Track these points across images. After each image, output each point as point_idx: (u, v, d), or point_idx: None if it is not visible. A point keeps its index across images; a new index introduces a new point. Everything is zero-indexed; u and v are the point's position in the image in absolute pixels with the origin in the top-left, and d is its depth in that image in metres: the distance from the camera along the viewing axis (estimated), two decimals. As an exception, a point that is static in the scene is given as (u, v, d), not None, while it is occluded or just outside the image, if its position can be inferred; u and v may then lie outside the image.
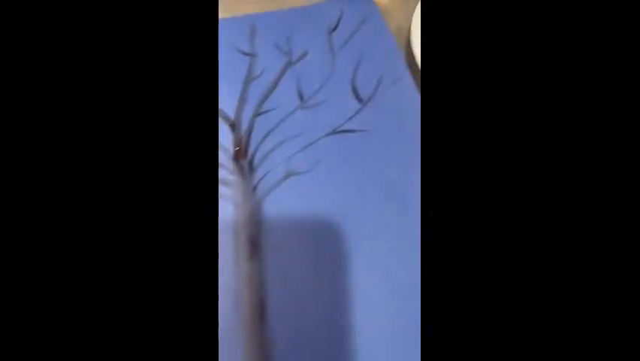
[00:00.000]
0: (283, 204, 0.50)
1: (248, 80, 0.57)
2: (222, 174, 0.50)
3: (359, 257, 0.47)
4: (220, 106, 0.54)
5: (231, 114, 0.54)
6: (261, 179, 0.51)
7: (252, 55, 0.58)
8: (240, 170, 0.51)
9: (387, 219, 0.48)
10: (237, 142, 0.53)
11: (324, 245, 0.48)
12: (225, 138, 0.53)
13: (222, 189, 0.50)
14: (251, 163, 0.52)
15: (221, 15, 0.61)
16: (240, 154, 0.52)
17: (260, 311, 0.44)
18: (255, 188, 0.51)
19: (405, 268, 0.45)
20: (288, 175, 0.52)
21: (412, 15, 0.61)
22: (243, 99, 0.55)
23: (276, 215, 0.49)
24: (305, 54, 0.58)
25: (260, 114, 0.55)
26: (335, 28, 0.60)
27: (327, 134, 0.54)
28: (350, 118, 0.54)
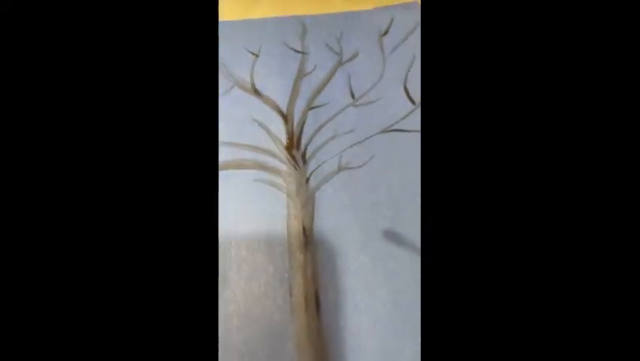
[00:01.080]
0: (336, 196, 0.49)
1: (300, 76, 0.57)
2: (275, 163, 0.49)
3: (409, 254, 0.45)
4: (273, 99, 0.54)
5: (283, 107, 0.54)
6: (313, 171, 0.50)
7: (303, 52, 0.58)
8: (293, 160, 0.50)
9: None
10: (290, 133, 0.52)
11: (374, 239, 0.46)
12: (278, 130, 0.52)
13: (275, 178, 0.49)
14: (304, 155, 0.51)
15: (271, 14, 0.62)
16: (292, 145, 0.51)
17: (313, 302, 0.42)
18: (308, 179, 0.50)
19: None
20: (341, 169, 0.51)
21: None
22: (295, 93, 0.55)
23: (328, 207, 0.48)
24: (355, 55, 0.59)
25: (312, 108, 0.54)
26: (385, 33, 0.61)
27: (380, 132, 0.53)
28: (403, 118, 0.54)
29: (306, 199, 0.48)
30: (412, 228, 0.47)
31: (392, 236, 0.46)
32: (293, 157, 0.50)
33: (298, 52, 0.59)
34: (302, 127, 0.52)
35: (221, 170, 0.48)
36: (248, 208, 0.46)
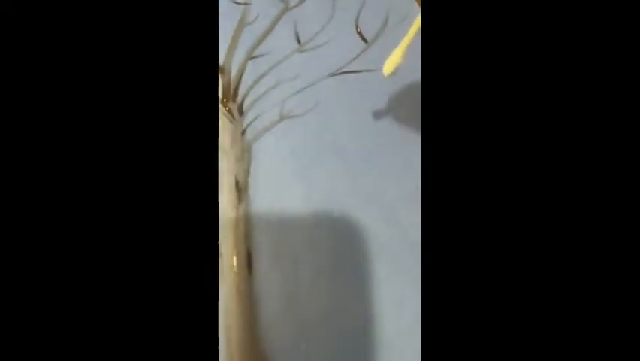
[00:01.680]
0: (276, 149, 0.44)
1: (240, 27, 0.52)
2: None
3: (356, 206, 0.40)
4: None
5: (220, 60, 0.49)
6: (250, 123, 0.45)
7: (245, 4, 0.53)
8: (229, 114, 0.46)
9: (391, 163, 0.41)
10: (225, 86, 0.47)
11: (317, 193, 0.41)
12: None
13: (208, 135, 0.44)
14: (240, 107, 0.46)
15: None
16: (229, 98, 0.47)
17: (244, 263, 0.37)
18: (243, 132, 0.45)
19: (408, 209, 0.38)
20: (282, 119, 0.46)
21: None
22: (233, 44, 0.50)
23: (266, 160, 0.43)
24: (303, 0, 0.53)
25: (252, 58, 0.49)
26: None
27: (327, 77, 0.48)
28: (353, 59, 0.49)
29: (241, 152, 0.43)
30: (359, 178, 0.41)
31: (338, 189, 0.41)
32: (229, 109, 0.45)
33: (239, 3, 0.54)
34: (239, 78, 0.48)
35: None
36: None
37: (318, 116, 0.45)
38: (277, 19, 0.52)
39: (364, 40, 0.50)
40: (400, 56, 0.40)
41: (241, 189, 0.40)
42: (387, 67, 0.41)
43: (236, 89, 0.47)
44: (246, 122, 0.45)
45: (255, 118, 0.45)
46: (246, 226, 0.39)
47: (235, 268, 0.36)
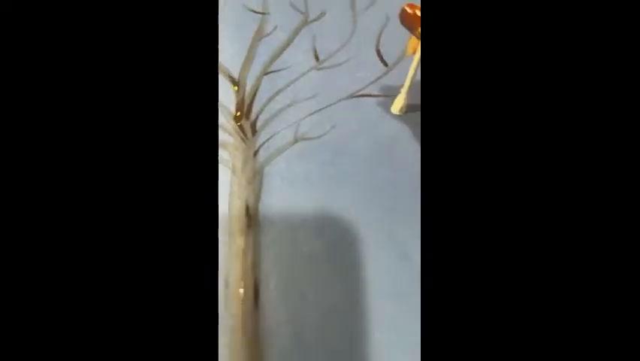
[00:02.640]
0: (289, 173, 0.42)
1: (257, 38, 0.50)
2: (222, 136, 0.43)
3: (370, 241, 0.38)
4: (224, 64, 0.47)
5: (235, 73, 0.47)
6: (263, 143, 0.44)
7: (263, 13, 0.51)
8: (241, 132, 0.44)
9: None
10: (240, 102, 0.45)
11: (331, 221, 0.39)
12: (228, 98, 0.45)
13: (221, 153, 0.42)
14: (254, 125, 0.44)
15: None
16: (242, 115, 0.45)
17: (251, 294, 0.36)
18: (256, 152, 0.43)
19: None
20: (297, 140, 0.44)
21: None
22: (249, 57, 0.48)
23: (279, 185, 0.41)
24: (323, 14, 0.51)
25: (268, 73, 0.47)
26: (359, -11, 0.53)
27: (345, 98, 0.46)
28: (372, 82, 0.47)
29: (253, 175, 0.41)
30: (375, 208, 0.40)
31: (353, 218, 0.39)
32: (241, 128, 0.43)
33: (257, 12, 0.52)
34: (254, 94, 0.46)
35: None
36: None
37: (334, 140, 0.43)
38: (296, 32, 0.51)
39: (384, 63, 0.48)
40: (404, 97, 0.43)
41: (251, 216, 0.38)
42: (395, 107, 0.44)
43: (250, 105, 0.45)
44: (258, 142, 0.43)
45: (269, 138, 0.44)
46: (255, 255, 0.37)
47: (242, 301, 0.34)
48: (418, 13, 0.37)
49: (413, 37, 0.39)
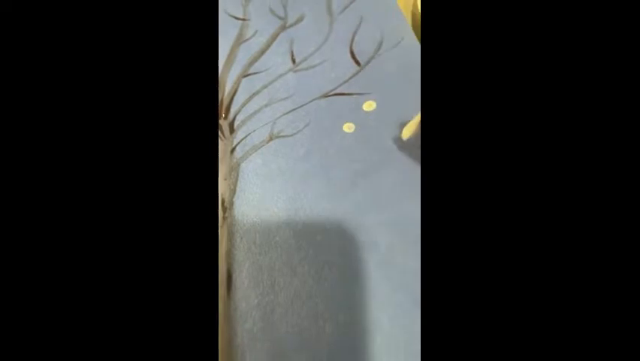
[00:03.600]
0: (263, 168, 0.44)
1: (237, 43, 0.52)
2: (199, 134, 0.46)
3: (339, 231, 0.40)
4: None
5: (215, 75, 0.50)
6: (240, 141, 0.46)
7: (244, 19, 0.54)
8: (220, 130, 0.46)
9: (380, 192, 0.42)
10: (220, 102, 0.48)
11: (301, 213, 0.42)
12: (206, 98, 0.48)
13: (197, 151, 0.45)
14: (232, 125, 0.47)
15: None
16: (220, 114, 0.47)
17: (224, 281, 0.38)
18: (232, 150, 0.46)
19: (391, 233, 0.39)
20: (272, 138, 0.46)
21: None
22: (229, 60, 0.51)
23: (253, 180, 0.44)
24: (301, 19, 0.54)
25: (247, 76, 0.50)
26: (335, -6, 0.56)
27: (318, 97, 0.48)
28: (346, 81, 0.49)
29: (229, 170, 0.43)
30: (346, 200, 0.42)
31: (322, 209, 0.41)
32: (220, 127, 0.46)
33: (238, 19, 0.55)
34: (233, 95, 0.48)
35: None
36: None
37: (307, 137, 0.46)
38: (274, 36, 0.53)
39: (357, 63, 0.51)
40: (417, 124, 0.42)
41: (226, 208, 0.41)
42: (405, 133, 0.43)
43: (229, 106, 0.48)
44: (235, 140, 0.46)
45: (245, 137, 0.46)
46: (228, 244, 0.39)
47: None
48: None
49: (410, 123, 0.39)
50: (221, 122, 0.47)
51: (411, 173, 0.43)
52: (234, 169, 0.44)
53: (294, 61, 0.52)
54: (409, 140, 0.42)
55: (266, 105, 0.48)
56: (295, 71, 0.51)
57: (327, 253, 0.39)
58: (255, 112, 0.48)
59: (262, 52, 0.52)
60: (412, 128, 0.41)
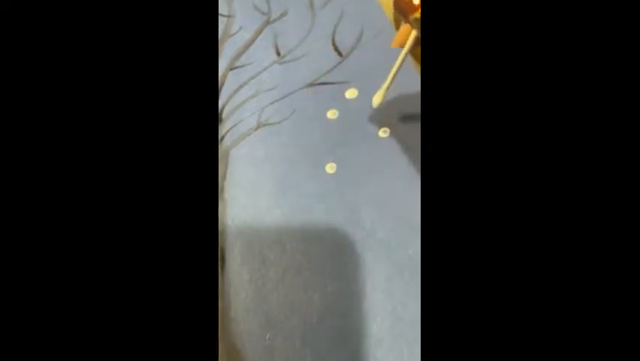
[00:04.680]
0: (252, 154, 0.47)
1: (224, 38, 0.55)
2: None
3: (323, 208, 0.43)
4: (192, 61, 0.52)
5: (204, 69, 0.52)
6: (229, 130, 0.49)
7: (228, 16, 0.57)
8: (208, 121, 0.49)
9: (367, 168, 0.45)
10: (207, 94, 0.50)
11: (288, 193, 0.44)
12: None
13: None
14: (220, 115, 0.49)
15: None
16: (210, 106, 0.50)
17: (220, 260, 0.40)
18: (222, 139, 0.48)
19: (373, 211, 0.41)
20: (259, 126, 0.49)
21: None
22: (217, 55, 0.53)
23: (242, 165, 0.46)
24: (284, 14, 0.57)
25: (233, 69, 0.53)
26: (317, -11, 0.59)
27: (303, 87, 0.51)
28: (329, 71, 0.52)
29: (220, 158, 0.46)
30: (331, 180, 0.44)
31: (307, 190, 0.44)
32: (209, 117, 0.48)
33: (223, 16, 0.57)
34: (221, 88, 0.51)
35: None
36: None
37: (293, 124, 0.48)
38: (259, 31, 0.56)
39: (339, 54, 0.53)
40: (386, 90, 0.43)
41: (217, 192, 0.43)
42: (376, 100, 0.44)
43: (217, 97, 0.50)
44: (224, 129, 0.48)
45: (234, 125, 0.49)
46: (221, 225, 0.42)
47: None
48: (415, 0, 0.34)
49: (401, 30, 0.39)
50: (210, 112, 0.49)
51: (391, 153, 0.46)
52: (224, 156, 0.47)
53: (278, 53, 0.54)
54: (379, 107, 0.44)
55: (253, 96, 0.51)
56: (280, 63, 0.53)
57: (314, 230, 0.41)
58: (243, 102, 0.50)
59: (247, 46, 0.55)
60: (381, 95, 0.43)
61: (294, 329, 0.37)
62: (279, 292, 0.38)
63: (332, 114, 0.49)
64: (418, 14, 0.32)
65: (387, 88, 0.43)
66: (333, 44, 0.54)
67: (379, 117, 0.48)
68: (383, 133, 0.46)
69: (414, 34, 0.37)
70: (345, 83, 0.51)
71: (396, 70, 0.42)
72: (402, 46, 0.39)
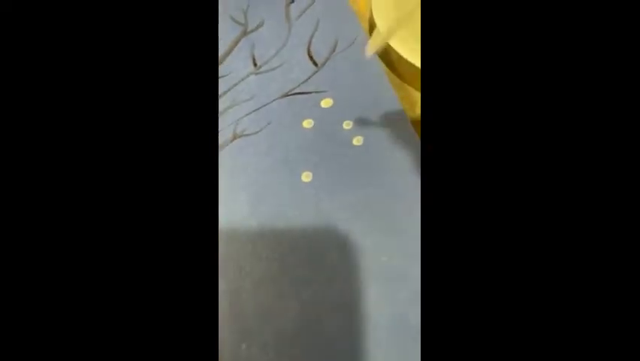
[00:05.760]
0: (229, 165, 0.48)
1: (200, 50, 0.56)
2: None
3: (298, 212, 0.44)
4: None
5: (180, 81, 0.53)
6: (206, 141, 0.49)
7: (206, 27, 0.58)
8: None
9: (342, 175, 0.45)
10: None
11: (263, 203, 0.45)
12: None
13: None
14: (197, 126, 0.50)
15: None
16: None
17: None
18: (199, 149, 0.49)
19: (349, 220, 0.42)
20: (236, 137, 0.49)
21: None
22: (193, 67, 0.54)
23: (222, 174, 0.47)
24: (261, 24, 0.58)
25: (210, 80, 0.53)
26: (292, 1, 0.60)
27: (279, 97, 0.52)
28: (304, 81, 0.53)
29: (196, 169, 0.46)
30: (304, 188, 0.45)
31: (284, 199, 0.44)
32: (186, 129, 0.49)
33: (201, 27, 0.58)
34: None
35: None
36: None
37: (269, 134, 0.49)
38: (235, 42, 0.57)
39: (315, 63, 0.54)
40: (380, 39, 0.38)
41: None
42: (370, 49, 0.39)
43: (194, 109, 0.51)
44: (201, 140, 0.49)
45: (210, 136, 0.49)
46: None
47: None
48: None
49: (373, 35, 0.37)
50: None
51: (365, 159, 0.46)
52: (201, 167, 0.47)
53: (255, 64, 0.55)
54: (374, 55, 0.41)
55: (229, 107, 0.52)
56: (257, 74, 0.54)
57: (290, 239, 0.42)
58: (220, 114, 0.51)
59: (224, 57, 0.56)
60: (374, 44, 0.38)
61: (269, 339, 0.37)
62: (255, 301, 0.39)
63: (307, 124, 0.50)
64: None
65: (389, 36, 0.38)
66: (309, 54, 0.55)
67: (354, 126, 0.49)
68: (357, 142, 0.47)
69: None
70: (321, 93, 0.52)
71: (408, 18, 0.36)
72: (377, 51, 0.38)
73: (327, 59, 0.54)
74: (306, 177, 0.46)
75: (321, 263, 0.41)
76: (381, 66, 0.54)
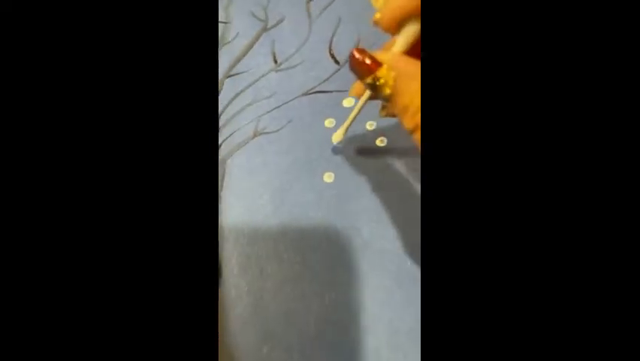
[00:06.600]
0: (249, 163, 0.47)
1: (220, 46, 0.55)
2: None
3: (321, 217, 0.43)
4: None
5: (200, 77, 0.52)
6: (225, 139, 0.49)
7: (225, 22, 0.57)
8: (205, 129, 0.49)
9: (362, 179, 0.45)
10: (204, 102, 0.50)
11: (285, 203, 0.44)
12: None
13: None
14: (217, 123, 0.49)
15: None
16: (206, 114, 0.50)
17: (216, 272, 0.40)
18: (219, 147, 0.48)
19: (372, 221, 0.41)
20: (256, 135, 0.49)
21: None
22: (213, 62, 0.53)
23: (239, 175, 0.46)
24: (281, 21, 0.57)
25: (230, 77, 0.53)
26: (313, -2, 0.59)
27: (300, 95, 0.51)
28: (326, 80, 0.52)
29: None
30: (327, 189, 0.45)
31: (305, 199, 0.44)
32: (205, 125, 0.48)
33: (220, 22, 0.57)
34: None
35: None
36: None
37: (290, 133, 0.48)
38: (256, 38, 0.56)
39: (336, 62, 0.53)
40: (345, 129, 0.43)
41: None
42: (336, 137, 0.44)
43: (214, 105, 0.50)
44: (221, 138, 0.48)
45: (231, 134, 0.49)
46: (218, 236, 0.42)
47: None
48: (368, 61, 0.31)
49: (358, 83, 0.37)
50: (206, 120, 0.49)
51: (389, 162, 0.46)
52: (221, 165, 0.47)
53: (275, 61, 0.54)
54: (338, 143, 0.45)
55: (249, 104, 0.51)
56: (277, 71, 0.54)
57: (312, 240, 0.41)
58: (240, 111, 0.50)
59: (244, 53, 0.55)
60: (341, 134, 0.43)
61: (291, 341, 0.37)
62: (277, 303, 0.38)
63: (329, 123, 0.49)
64: (370, 79, 0.31)
65: (347, 128, 0.43)
66: (330, 52, 0.54)
67: (377, 127, 0.48)
68: (380, 142, 0.47)
69: (367, 94, 0.37)
70: (343, 92, 0.51)
71: (352, 117, 0.41)
72: (358, 96, 0.39)
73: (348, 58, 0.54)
74: (328, 177, 0.46)
75: (344, 264, 0.40)
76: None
